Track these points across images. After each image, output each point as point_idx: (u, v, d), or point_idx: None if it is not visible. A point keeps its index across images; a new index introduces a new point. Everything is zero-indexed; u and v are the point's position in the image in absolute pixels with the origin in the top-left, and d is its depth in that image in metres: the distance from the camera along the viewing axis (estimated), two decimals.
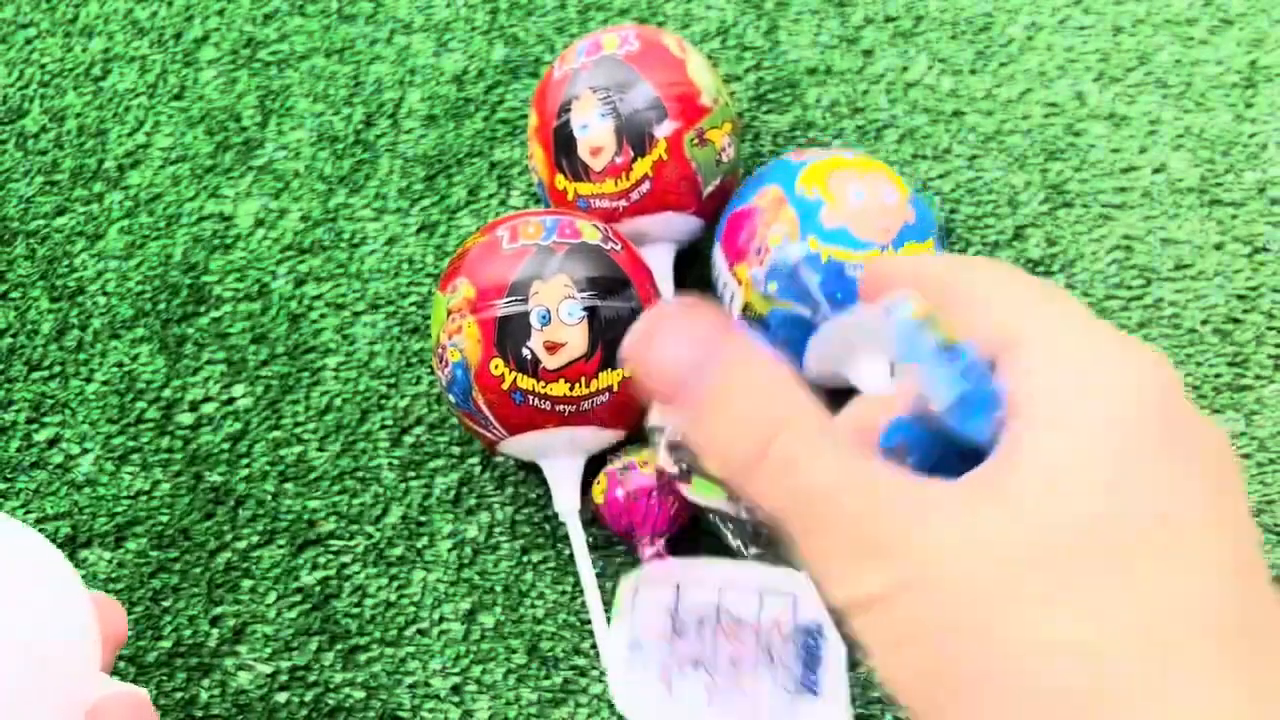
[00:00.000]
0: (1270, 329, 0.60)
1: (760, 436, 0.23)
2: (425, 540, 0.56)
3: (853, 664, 0.51)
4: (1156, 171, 0.65)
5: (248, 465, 0.58)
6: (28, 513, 0.57)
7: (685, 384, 0.23)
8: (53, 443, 0.59)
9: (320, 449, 0.58)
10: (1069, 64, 0.68)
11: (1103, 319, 0.25)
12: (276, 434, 0.59)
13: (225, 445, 0.59)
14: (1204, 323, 0.60)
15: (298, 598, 0.55)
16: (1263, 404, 0.58)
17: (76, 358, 0.61)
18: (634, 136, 0.56)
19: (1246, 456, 0.58)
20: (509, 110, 0.68)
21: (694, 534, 0.54)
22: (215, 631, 0.54)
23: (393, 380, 0.60)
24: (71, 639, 0.33)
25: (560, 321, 0.50)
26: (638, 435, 0.55)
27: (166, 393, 0.60)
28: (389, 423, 0.59)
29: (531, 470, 0.58)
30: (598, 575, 0.54)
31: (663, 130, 0.56)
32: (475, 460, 0.58)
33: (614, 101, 0.56)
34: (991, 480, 0.23)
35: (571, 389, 0.51)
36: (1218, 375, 0.59)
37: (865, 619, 0.23)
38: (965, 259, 0.29)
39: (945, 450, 0.26)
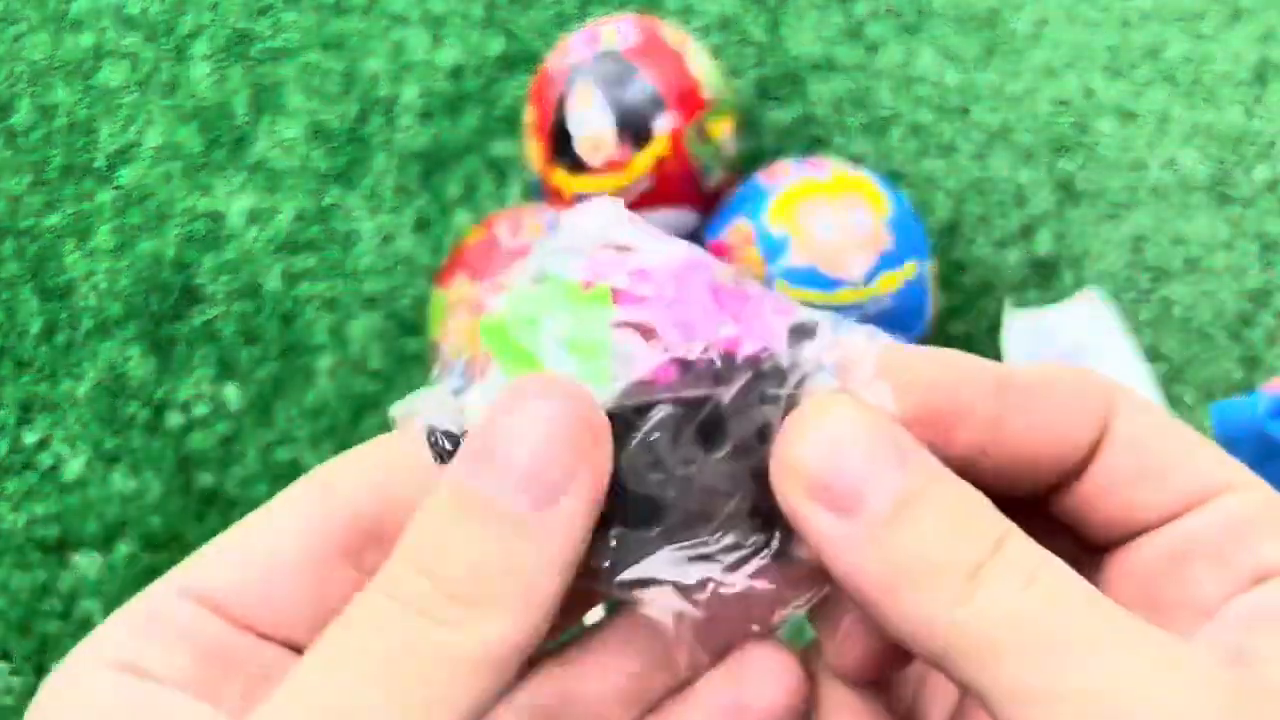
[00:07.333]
0: None
1: (989, 535, 0.17)
2: None
3: None
4: (1166, 168, 0.64)
5: (240, 467, 0.57)
6: (16, 515, 0.57)
7: (860, 487, 0.17)
8: (42, 444, 0.58)
9: (313, 451, 0.58)
10: (1077, 59, 0.67)
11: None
12: (268, 436, 0.58)
13: (217, 447, 0.58)
14: (1215, 322, 0.59)
15: None
16: None
17: (66, 358, 0.61)
18: (632, 131, 0.55)
19: None
20: (506, 105, 0.67)
21: None
22: None
23: (387, 380, 0.59)
24: None
25: None
26: None
27: (158, 393, 0.59)
28: (384, 424, 0.58)
29: None
30: None
31: (662, 124, 0.55)
32: None
33: (612, 95, 0.55)
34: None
35: None
36: (1228, 374, 0.58)
37: None
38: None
39: None
